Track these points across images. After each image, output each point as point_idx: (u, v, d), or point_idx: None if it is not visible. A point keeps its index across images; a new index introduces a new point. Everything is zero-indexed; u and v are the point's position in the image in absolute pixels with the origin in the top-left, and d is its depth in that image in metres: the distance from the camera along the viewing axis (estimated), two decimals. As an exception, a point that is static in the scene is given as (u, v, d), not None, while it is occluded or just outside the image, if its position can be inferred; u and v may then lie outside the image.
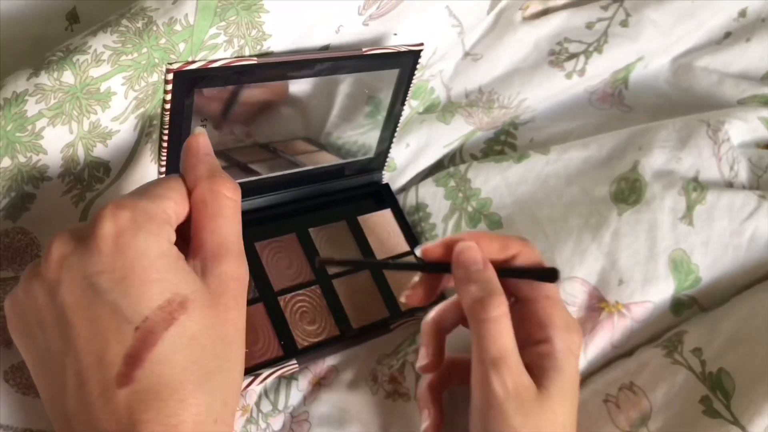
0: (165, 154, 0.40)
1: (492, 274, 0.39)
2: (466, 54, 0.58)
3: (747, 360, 0.42)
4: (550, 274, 0.40)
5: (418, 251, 0.42)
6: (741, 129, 0.52)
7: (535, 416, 0.36)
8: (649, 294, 0.46)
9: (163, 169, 0.40)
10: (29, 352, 0.30)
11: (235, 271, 0.30)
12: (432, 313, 0.43)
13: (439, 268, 0.42)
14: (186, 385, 0.28)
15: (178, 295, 0.28)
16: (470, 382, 0.38)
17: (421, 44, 0.46)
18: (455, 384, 0.43)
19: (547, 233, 0.49)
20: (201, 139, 0.34)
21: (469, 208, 0.53)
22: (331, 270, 0.48)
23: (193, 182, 0.32)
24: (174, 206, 0.31)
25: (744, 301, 0.46)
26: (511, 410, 0.36)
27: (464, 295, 0.39)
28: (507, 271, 0.40)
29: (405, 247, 0.52)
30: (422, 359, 0.43)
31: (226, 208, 0.31)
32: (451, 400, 0.44)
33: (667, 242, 0.47)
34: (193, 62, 0.37)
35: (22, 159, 0.33)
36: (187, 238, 0.31)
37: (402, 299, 0.42)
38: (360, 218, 0.52)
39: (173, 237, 0.30)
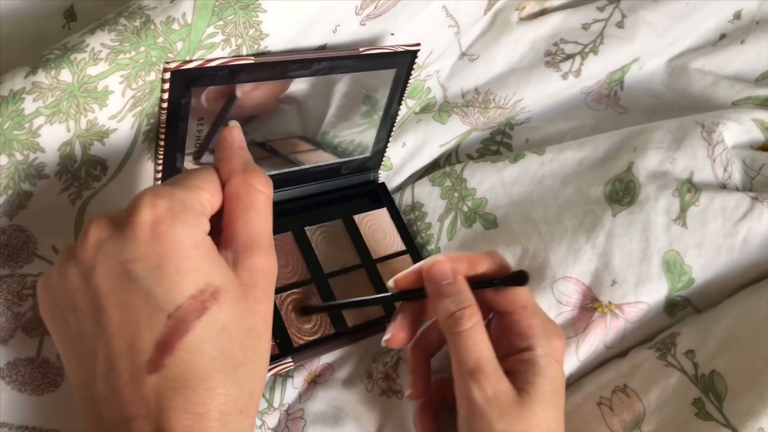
0: (162, 152, 0.40)
1: (463, 286, 0.40)
2: (463, 54, 0.58)
3: (739, 362, 0.42)
4: (520, 278, 0.40)
5: (390, 283, 0.43)
6: (735, 131, 0.52)
7: (518, 420, 0.37)
8: (642, 295, 0.46)
9: (160, 167, 0.41)
10: (60, 334, 0.30)
11: (265, 265, 0.31)
12: (414, 338, 0.44)
13: (413, 294, 0.42)
14: (214, 374, 0.28)
15: (210, 285, 0.28)
16: None
17: (418, 44, 0.46)
18: (450, 404, 0.43)
19: (541, 233, 0.49)
20: (235, 132, 0.34)
21: (465, 208, 0.53)
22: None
23: (228, 175, 0.32)
24: (209, 197, 0.31)
25: (736, 304, 0.46)
26: (494, 417, 0.37)
27: (438, 311, 0.40)
28: (478, 283, 0.41)
29: (401, 246, 0.52)
30: (410, 386, 0.43)
31: (259, 202, 0.32)
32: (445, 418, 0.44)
33: (661, 243, 0.47)
34: (191, 61, 0.37)
35: (19, 157, 0.33)
36: (218, 229, 0.31)
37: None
38: (356, 217, 0.52)
39: (208, 227, 0.30)
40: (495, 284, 0.41)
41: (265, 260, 0.31)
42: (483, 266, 0.42)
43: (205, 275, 0.28)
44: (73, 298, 0.29)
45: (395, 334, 0.42)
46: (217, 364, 0.28)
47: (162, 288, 0.28)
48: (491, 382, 0.37)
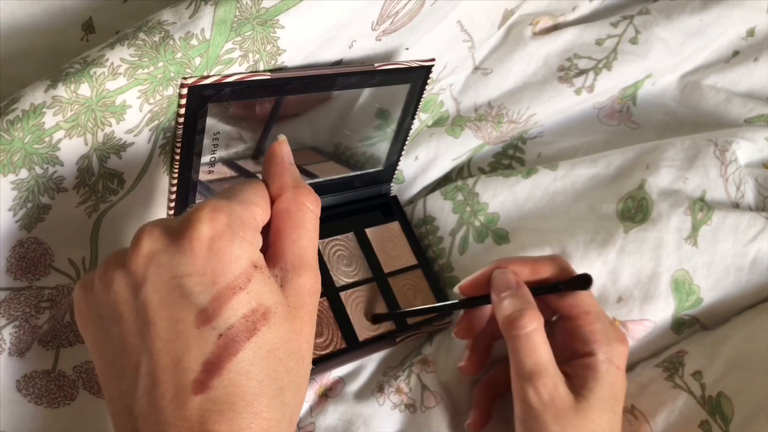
0: (177, 166, 0.40)
1: (524, 292, 0.40)
2: (476, 68, 0.58)
3: (746, 385, 0.42)
4: (583, 282, 0.41)
5: (456, 289, 0.45)
6: (748, 149, 0.52)
7: (573, 426, 0.37)
8: (648, 313, 0.46)
9: (175, 182, 0.41)
10: (98, 344, 0.29)
11: (312, 286, 0.30)
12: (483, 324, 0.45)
13: (478, 301, 0.44)
14: (261, 398, 0.27)
15: (262, 306, 0.28)
16: None
17: (433, 59, 0.46)
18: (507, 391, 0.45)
19: (552, 245, 0.49)
20: (285, 146, 0.34)
21: (477, 223, 0.53)
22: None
23: (278, 191, 0.32)
24: (261, 213, 0.30)
25: (745, 324, 0.46)
26: (550, 421, 0.37)
27: (498, 313, 0.41)
28: (540, 288, 0.42)
29: (413, 260, 0.52)
30: (464, 360, 0.45)
31: (308, 221, 0.31)
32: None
33: (671, 262, 0.47)
34: (208, 77, 0.37)
35: (39, 170, 0.33)
36: (263, 244, 0.31)
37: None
38: (368, 230, 0.52)
39: (260, 245, 0.30)
40: (559, 289, 0.41)
41: (312, 281, 0.30)
42: (546, 271, 0.42)
43: (258, 295, 0.28)
44: (118, 309, 0.28)
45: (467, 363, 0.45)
46: (263, 388, 0.27)
47: (215, 305, 0.27)
48: (548, 387, 0.38)
